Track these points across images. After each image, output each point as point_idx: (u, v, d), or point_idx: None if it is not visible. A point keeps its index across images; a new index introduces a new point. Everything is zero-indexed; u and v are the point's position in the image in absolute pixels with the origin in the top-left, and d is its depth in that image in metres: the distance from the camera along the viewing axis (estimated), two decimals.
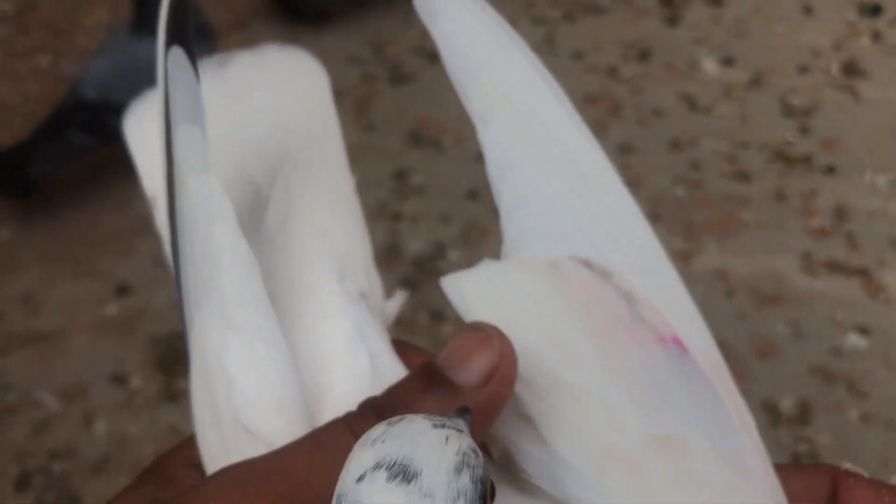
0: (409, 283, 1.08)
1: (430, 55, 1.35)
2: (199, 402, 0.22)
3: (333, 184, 0.29)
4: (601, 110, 1.26)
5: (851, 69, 1.31)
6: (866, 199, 1.15)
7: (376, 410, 0.19)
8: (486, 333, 0.19)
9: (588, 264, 0.23)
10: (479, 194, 1.17)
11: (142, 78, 1.22)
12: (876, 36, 1.35)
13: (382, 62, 1.36)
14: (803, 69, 1.31)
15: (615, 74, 1.32)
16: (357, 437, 0.17)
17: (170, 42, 0.24)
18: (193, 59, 0.24)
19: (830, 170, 1.18)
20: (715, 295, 1.06)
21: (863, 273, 1.08)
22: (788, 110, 1.25)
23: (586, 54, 1.35)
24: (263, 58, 0.32)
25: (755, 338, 1.03)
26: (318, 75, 0.32)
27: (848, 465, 0.23)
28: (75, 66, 1.29)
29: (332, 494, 0.16)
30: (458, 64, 0.24)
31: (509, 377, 0.19)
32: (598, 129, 1.28)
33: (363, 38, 1.39)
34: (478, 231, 1.13)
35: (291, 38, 1.42)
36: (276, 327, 0.21)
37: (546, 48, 1.36)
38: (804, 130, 1.23)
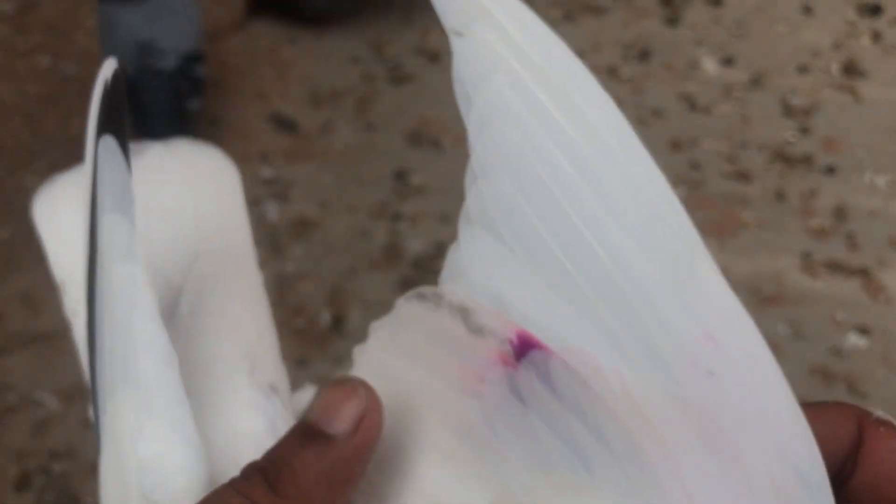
0: (409, 283, 1.08)
1: (431, 55, 1.35)
2: (107, 483, 0.22)
3: (243, 279, 0.30)
4: None
5: (851, 69, 1.31)
6: (866, 199, 1.15)
7: (261, 472, 0.20)
8: (350, 385, 0.20)
9: (420, 295, 0.22)
10: None
11: (179, 19, 1.19)
12: (876, 36, 1.35)
13: (382, 62, 1.36)
14: (803, 69, 1.31)
15: (615, 74, 1.32)
16: (242, 496, 0.19)
17: (102, 130, 0.24)
18: (126, 149, 0.24)
19: (830, 170, 1.18)
20: None
21: (863, 273, 1.08)
22: (788, 110, 1.25)
23: (586, 54, 1.35)
24: (175, 152, 0.32)
25: None
26: (228, 171, 0.32)
27: (879, 413, 0.21)
28: (75, 67, 1.29)
29: None
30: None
31: (377, 422, 0.20)
32: None
33: (363, 38, 1.39)
34: None
35: (291, 39, 1.43)
36: (191, 417, 0.22)
37: None
38: (804, 130, 1.23)
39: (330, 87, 1.32)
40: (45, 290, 1.09)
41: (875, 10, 1.39)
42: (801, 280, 1.07)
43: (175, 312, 0.27)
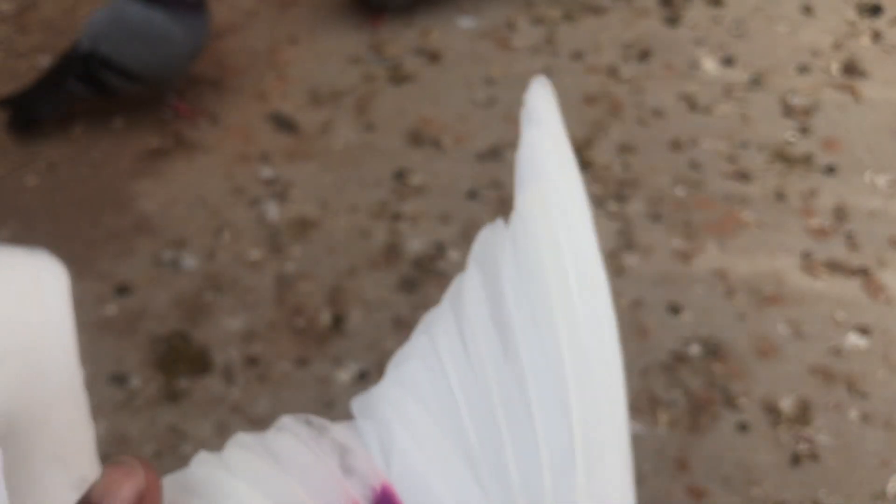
0: (409, 283, 1.08)
1: (430, 55, 1.35)
2: None
3: (55, 381, 0.31)
4: (601, 110, 1.26)
5: (851, 69, 1.31)
6: (866, 199, 1.15)
7: None
8: (129, 465, 0.22)
9: (308, 422, 0.25)
10: (479, 194, 1.17)
11: (122, 35, 1.27)
12: (876, 36, 1.35)
13: (382, 62, 1.36)
14: (803, 69, 1.31)
15: (615, 74, 1.32)
16: None
17: None
18: None
19: (830, 170, 1.18)
20: (715, 295, 1.06)
21: (863, 273, 1.08)
22: (788, 110, 1.25)
23: (586, 54, 1.35)
24: (6, 257, 0.33)
25: (755, 338, 1.03)
26: (52, 274, 0.33)
27: None
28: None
29: None
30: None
31: (157, 499, 0.22)
32: (598, 129, 1.28)
33: (363, 38, 1.39)
34: (477, 231, 1.12)
35: (290, 39, 1.43)
36: None
37: (546, 48, 1.36)
38: (804, 130, 1.23)
39: (330, 87, 1.32)
40: None
41: (875, 10, 1.39)
42: (801, 280, 1.07)
43: None
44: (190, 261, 1.12)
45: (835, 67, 1.31)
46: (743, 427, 0.95)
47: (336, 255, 1.12)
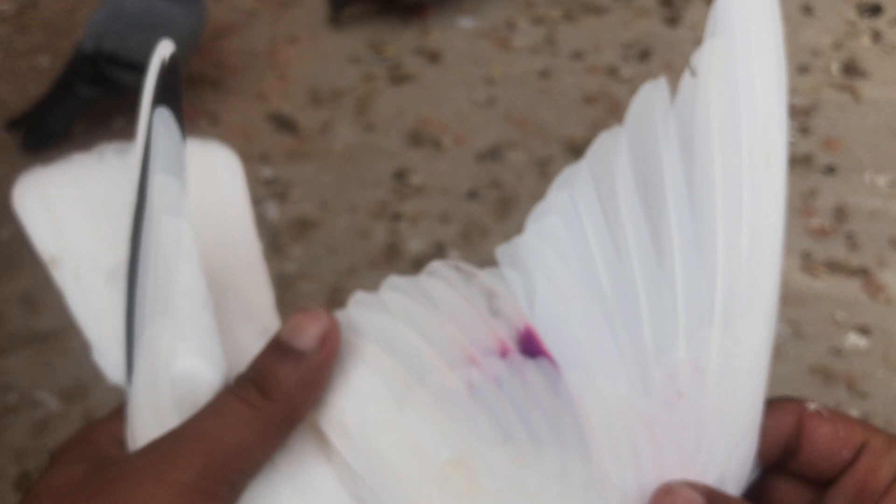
0: None
1: (430, 55, 1.35)
2: (140, 397, 0.26)
3: (242, 250, 0.35)
4: (601, 110, 1.26)
5: (851, 69, 1.31)
6: (866, 199, 1.15)
7: (252, 381, 0.25)
8: (314, 311, 0.25)
9: (457, 267, 0.27)
10: (479, 194, 1.17)
11: (124, 27, 1.28)
12: (876, 36, 1.35)
13: (382, 62, 1.36)
14: (803, 69, 1.31)
15: (615, 74, 1.32)
16: (241, 399, 0.24)
17: (157, 102, 0.27)
18: (181, 121, 0.27)
19: (830, 170, 1.18)
20: None
21: (863, 273, 1.08)
22: (788, 110, 1.25)
23: (586, 54, 1.35)
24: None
25: None
26: (233, 163, 0.38)
27: (813, 405, 0.26)
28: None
29: (235, 449, 0.23)
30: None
31: (337, 338, 0.25)
32: (598, 129, 1.28)
33: (363, 38, 1.39)
34: (477, 231, 1.13)
35: (290, 39, 1.42)
36: (218, 345, 0.26)
37: (546, 48, 1.36)
38: (804, 130, 1.23)
39: (330, 87, 1.32)
40: (44, 290, 1.09)
41: (875, 10, 1.39)
42: (801, 280, 1.07)
43: None
44: None
45: (835, 67, 1.31)
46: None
47: (336, 255, 1.12)
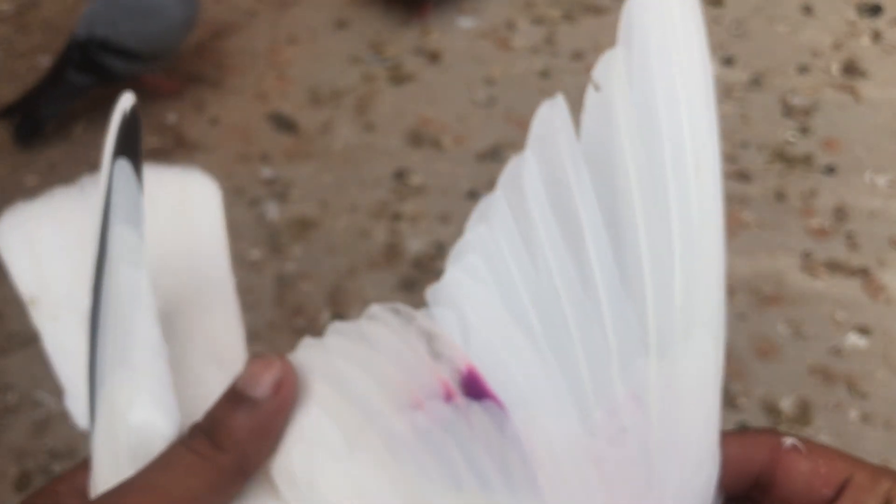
0: (409, 283, 1.08)
1: (430, 55, 1.35)
2: (100, 447, 0.27)
3: (214, 288, 0.35)
4: None
5: (851, 69, 1.31)
6: (866, 199, 1.15)
7: (203, 431, 0.25)
8: (269, 358, 0.25)
9: (395, 310, 0.27)
10: (479, 194, 1.17)
11: (117, 14, 1.27)
12: (876, 36, 1.35)
13: (382, 62, 1.36)
14: (803, 69, 1.31)
15: None
16: (192, 450, 0.24)
17: (118, 153, 0.28)
18: (139, 171, 0.28)
19: (830, 170, 1.18)
20: None
21: (863, 273, 1.08)
22: (788, 110, 1.25)
23: (586, 54, 1.35)
24: (162, 176, 0.36)
25: (755, 338, 1.03)
26: (209, 192, 0.37)
27: (790, 440, 0.24)
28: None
29: (184, 501, 0.23)
30: None
31: (292, 384, 0.25)
32: None
33: (363, 38, 1.39)
34: None
35: (290, 39, 1.42)
36: (173, 396, 0.26)
37: (546, 48, 1.36)
38: (804, 130, 1.23)
39: (330, 87, 1.32)
40: None
41: (875, 10, 1.39)
42: (801, 280, 1.07)
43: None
44: None
45: (835, 67, 1.31)
46: (743, 427, 0.95)
47: (336, 255, 1.12)
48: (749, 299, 1.06)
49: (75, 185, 0.35)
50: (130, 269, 0.26)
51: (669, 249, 0.24)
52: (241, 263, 1.11)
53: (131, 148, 0.28)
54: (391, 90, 1.32)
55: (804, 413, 0.97)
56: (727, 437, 0.24)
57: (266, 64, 1.36)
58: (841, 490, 0.24)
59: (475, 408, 0.24)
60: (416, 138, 1.25)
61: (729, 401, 0.97)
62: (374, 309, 0.27)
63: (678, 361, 0.24)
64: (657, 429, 0.24)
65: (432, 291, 0.27)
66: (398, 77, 1.34)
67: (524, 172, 0.26)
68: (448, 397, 0.25)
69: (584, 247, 0.25)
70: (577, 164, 0.25)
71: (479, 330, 0.26)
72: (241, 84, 1.33)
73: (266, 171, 1.21)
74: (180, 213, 0.35)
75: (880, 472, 0.24)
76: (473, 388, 0.25)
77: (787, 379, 0.99)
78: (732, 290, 1.06)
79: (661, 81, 0.25)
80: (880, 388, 0.98)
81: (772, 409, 0.97)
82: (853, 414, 0.96)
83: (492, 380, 0.25)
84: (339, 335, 0.27)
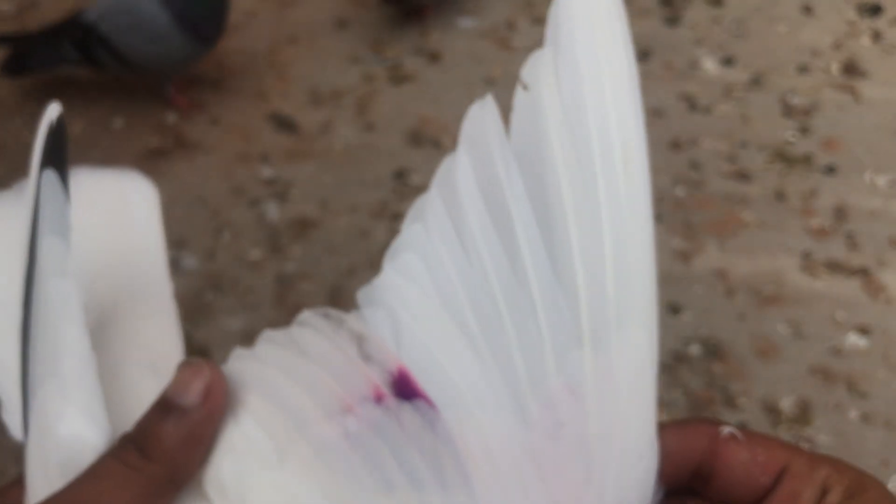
0: None
1: (430, 55, 1.35)
2: (32, 458, 0.27)
3: (150, 293, 0.34)
4: None
5: (851, 69, 1.31)
6: (866, 199, 1.15)
7: (132, 441, 0.24)
8: (197, 364, 0.25)
9: (326, 315, 0.27)
10: None
11: (127, 19, 1.27)
12: (876, 36, 1.35)
13: (382, 62, 1.36)
14: (803, 69, 1.31)
15: None
16: (120, 461, 0.24)
17: (45, 164, 0.28)
18: (65, 182, 0.28)
19: (830, 170, 1.18)
20: (715, 295, 1.06)
21: (863, 273, 1.08)
22: (788, 110, 1.25)
23: None
24: (96, 179, 0.36)
25: (755, 338, 1.03)
26: (145, 194, 0.37)
27: (727, 429, 0.25)
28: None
29: None
30: None
31: (221, 391, 0.25)
32: None
33: (363, 38, 1.39)
34: None
35: (290, 39, 1.42)
36: (103, 407, 0.26)
37: None
38: (804, 130, 1.23)
39: (330, 87, 1.32)
40: None
41: (875, 10, 1.39)
42: (801, 280, 1.07)
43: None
44: (190, 261, 1.12)
45: (835, 67, 1.31)
46: (743, 427, 0.95)
47: (336, 255, 1.12)
48: (749, 299, 1.06)
49: (12, 189, 0.34)
50: (58, 279, 0.26)
51: (600, 242, 0.24)
52: (241, 263, 1.11)
53: (58, 158, 0.28)
54: (391, 90, 1.32)
55: (804, 413, 0.97)
56: (665, 428, 0.24)
57: (266, 64, 1.36)
58: (779, 478, 0.24)
59: (406, 408, 0.24)
60: (417, 138, 1.25)
61: (729, 401, 0.97)
62: (305, 314, 0.28)
63: (612, 353, 0.24)
64: (594, 421, 0.23)
65: (364, 292, 0.27)
66: (398, 77, 1.34)
67: (457, 171, 0.26)
68: (378, 399, 0.25)
69: (516, 242, 0.25)
70: (507, 161, 0.25)
71: (411, 329, 0.25)
72: (241, 84, 1.33)
73: (266, 171, 1.21)
74: (116, 217, 0.35)
75: (818, 459, 0.24)
76: (404, 388, 0.25)
77: (787, 379, 0.99)
78: (732, 290, 1.07)
79: (588, 79, 0.25)
80: (880, 388, 0.98)
81: (772, 410, 0.97)
82: (853, 414, 0.96)
83: (425, 379, 0.25)
84: (270, 343, 0.27)
